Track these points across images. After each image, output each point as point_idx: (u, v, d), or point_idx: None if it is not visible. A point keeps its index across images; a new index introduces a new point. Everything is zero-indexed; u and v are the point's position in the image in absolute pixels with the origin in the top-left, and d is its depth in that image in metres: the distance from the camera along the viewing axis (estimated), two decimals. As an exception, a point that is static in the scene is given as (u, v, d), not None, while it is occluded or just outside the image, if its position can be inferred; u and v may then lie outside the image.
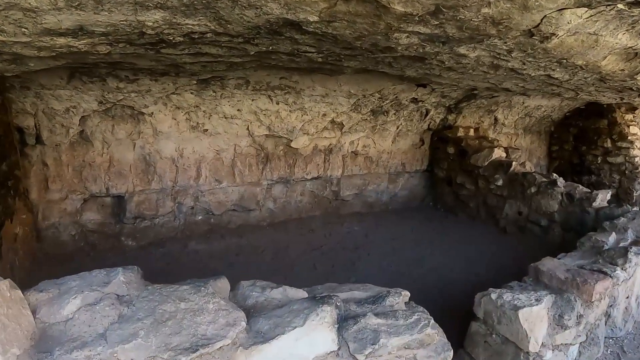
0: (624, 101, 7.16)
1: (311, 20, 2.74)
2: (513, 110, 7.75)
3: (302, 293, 2.52)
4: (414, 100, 6.38)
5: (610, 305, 3.78)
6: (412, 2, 2.50)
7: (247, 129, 5.84)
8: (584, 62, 3.91)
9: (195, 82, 5.19)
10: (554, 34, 3.10)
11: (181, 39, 3.11)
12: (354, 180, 6.80)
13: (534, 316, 3.15)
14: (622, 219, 4.73)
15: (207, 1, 2.36)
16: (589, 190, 5.70)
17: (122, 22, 2.59)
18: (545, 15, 2.79)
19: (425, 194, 7.54)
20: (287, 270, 5.17)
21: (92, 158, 5.40)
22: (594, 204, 5.47)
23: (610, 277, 3.49)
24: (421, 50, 3.66)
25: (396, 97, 6.15)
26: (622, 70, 4.33)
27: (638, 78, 4.72)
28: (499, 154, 6.45)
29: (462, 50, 3.61)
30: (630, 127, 8.11)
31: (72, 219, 5.48)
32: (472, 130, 7.01)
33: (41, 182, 5.23)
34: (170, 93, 5.26)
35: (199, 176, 5.88)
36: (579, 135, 8.89)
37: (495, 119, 7.80)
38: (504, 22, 2.92)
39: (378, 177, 7.02)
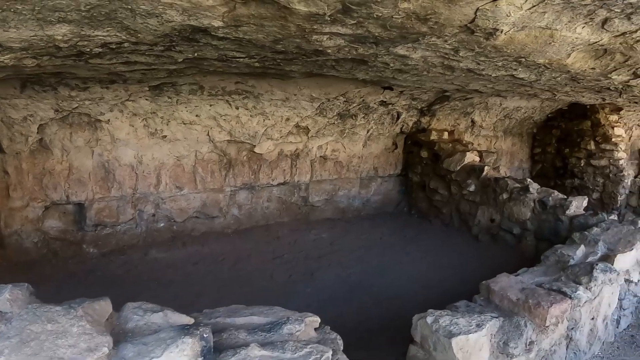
0: (607, 101, 6.65)
1: (216, 25, 2.53)
2: (491, 112, 7.27)
3: (184, 319, 2.22)
4: (383, 103, 5.98)
5: (572, 328, 3.33)
6: (314, 1, 2.20)
7: (208, 134, 5.51)
8: (547, 61, 3.49)
9: (147, 88, 4.91)
10: (497, 30, 2.73)
11: (100, 49, 2.97)
12: (324, 186, 6.41)
13: (471, 345, 2.75)
14: (595, 229, 4.29)
15: (106, 12, 2.27)
16: (564, 197, 5.24)
17: (33, 38, 2.54)
18: (478, 8, 2.42)
19: (400, 199, 7.11)
20: (243, 280, 4.83)
21: (52, 166, 5.15)
22: (567, 212, 5.01)
23: (570, 298, 3.07)
24: (355, 52, 3.31)
25: (363, 100, 5.75)
26: (593, 69, 3.90)
27: (613, 77, 4.25)
28: (471, 158, 6.00)
29: (400, 51, 3.24)
30: (615, 128, 7.55)
31: (34, 227, 5.24)
32: (446, 134, 6.56)
33: (2, 190, 5.00)
34: (124, 100, 4.98)
35: (159, 183, 5.57)
36: (562, 137, 8.34)
37: (472, 122, 7.32)
38: (431, 18, 2.55)
39: (349, 182, 6.62)
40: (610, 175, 7.54)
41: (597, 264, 3.42)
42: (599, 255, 3.81)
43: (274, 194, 6.09)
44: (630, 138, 10.19)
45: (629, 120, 9.29)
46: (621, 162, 7.45)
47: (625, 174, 7.36)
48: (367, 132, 6.39)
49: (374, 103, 5.91)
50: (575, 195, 7.95)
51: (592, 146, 7.74)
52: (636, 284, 4.01)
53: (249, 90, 5.15)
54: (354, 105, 5.83)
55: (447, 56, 3.41)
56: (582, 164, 7.93)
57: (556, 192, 5.37)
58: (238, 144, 5.69)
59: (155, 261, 5.38)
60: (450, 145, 6.29)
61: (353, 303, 4.28)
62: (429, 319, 2.85)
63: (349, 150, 6.39)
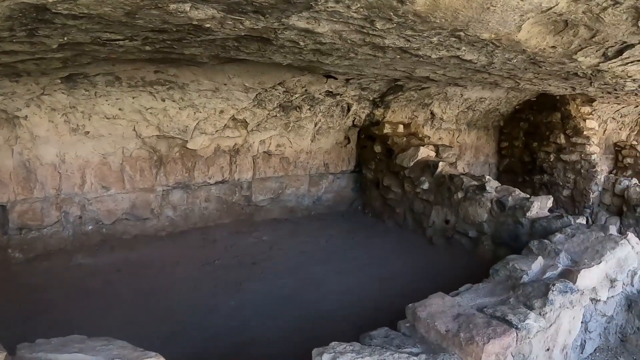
0: (578, 92, 5.96)
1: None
2: (451, 104, 6.61)
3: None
4: (330, 94, 5.37)
5: (519, 365, 2.65)
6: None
7: (134, 129, 4.95)
8: (493, 36, 2.83)
9: (60, 81, 4.42)
10: (407, -13, 2.11)
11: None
12: (269, 184, 5.79)
13: (375, 398, 2.12)
14: (558, 236, 3.65)
15: None
16: (526, 197, 4.60)
17: None
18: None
19: (354, 197, 6.50)
20: (163, 291, 4.28)
21: (-28, 166, 4.60)
22: (528, 214, 4.38)
23: (516, 328, 2.42)
24: (242, 27, 2.72)
25: (306, 90, 5.15)
26: (554, 47, 3.22)
27: (579, 59, 3.55)
28: (426, 153, 5.37)
29: (299, 23, 2.69)
30: (587, 121, 6.87)
31: (-40, 231, 4.71)
32: (401, 127, 5.92)
33: None
34: (39, 94, 4.46)
35: (84, 183, 5.01)
36: (530, 130, 7.66)
37: (432, 114, 6.67)
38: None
39: (297, 179, 6.00)
40: (582, 171, 6.85)
41: (554, 284, 2.78)
42: (559, 269, 3.18)
43: (213, 193, 5.48)
44: (605, 132, 9.53)
45: (603, 113, 8.63)
46: (593, 156, 6.76)
47: (598, 169, 6.67)
48: (315, 126, 5.77)
49: (320, 94, 5.30)
50: (545, 192, 7.32)
51: (562, 140, 7.05)
52: (605, 302, 3.35)
53: (171, 80, 4.58)
54: (297, 95, 5.22)
55: (364, 30, 2.81)
56: (551, 159, 7.24)
57: (517, 191, 4.73)
58: (169, 140, 5.10)
59: (79, 267, 4.84)
60: (405, 139, 5.66)
61: (277, 322, 3.72)
62: (326, 358, 2.21)
63: (295, 145, 5.78)
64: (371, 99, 5.70)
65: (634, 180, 6.43)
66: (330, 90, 5.28)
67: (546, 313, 2.60)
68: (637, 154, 9.62)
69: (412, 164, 5.32)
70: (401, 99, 5.90)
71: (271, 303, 3.98)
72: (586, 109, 6.86)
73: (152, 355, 2.05)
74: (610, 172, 9.91)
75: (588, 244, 3.51)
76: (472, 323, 2.41)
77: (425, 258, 4.92)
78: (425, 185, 5.19)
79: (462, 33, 2.80)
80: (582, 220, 4.26)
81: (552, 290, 2.70)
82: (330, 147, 6.09)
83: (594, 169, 6.64)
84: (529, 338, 2.51)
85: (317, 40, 3.04)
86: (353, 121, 6.01)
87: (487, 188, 4.67)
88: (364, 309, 3.80)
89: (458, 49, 3.30)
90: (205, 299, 4.09)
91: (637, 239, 3.75)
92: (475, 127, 7.64)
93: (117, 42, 3.05)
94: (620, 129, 9.97)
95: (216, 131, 5.17)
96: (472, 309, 2.62)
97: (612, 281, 3.33)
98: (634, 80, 4.93)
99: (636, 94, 6.06)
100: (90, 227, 5.18)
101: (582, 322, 3.13)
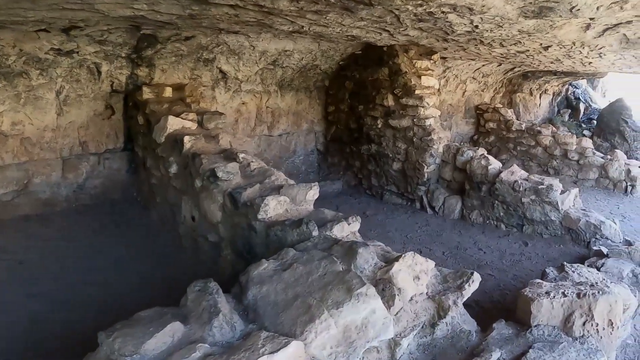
0: (404, 40, 4.97)
1: None
2: (244, 59, 5.61)
3: None
4: (61, 52, 4.47)
5: None
6: None
7: None
8: None
9: None
10: None
11: None
12: (9, 173, 4.96)
13: None
14: (265, 264, 2.46)
15: None
16: (279, 186, 3.62)
17: None
18: None
19: (130, 181, 5.61)
20: None
21: None
22: (260, 216, 3.28)
23: None
24: None
25: (21, 50, 4.35)
26: None
27: None
28: (179, 124, 4.48)
29: None
30: (423, 77, 5.75)
31: None
32: (169, 90, 4.97)
33: None
34: None
35: None
36: (356, 90, 6.57)
37: (223, 73, 5.66)
38: None
39: (47, 164, 5.15)
40: (414, 139, 5.84)
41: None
42: (198, 354, 1.80)
43: (-59, 190, 4.71)
44: (464, 93, 8.43)
45: (460, 72, 7.57)
46: (429, 122, 5.73)
47: (435, 137, 5.65)
48: (58, 95, 4.89)
49: (45, 53, 4.49)
50: (374, 164, 6.38)
51: (390, 101, 6.00)
52: None
53: None
54: (13, 58, 4.40)
55: None
56: (379, 125, 6.22)
57: (275, 175, 3.76)
58: None
59: None
60: (167, 106, 4.73)
61: None
62: None
63: (37, 121, 4.92)
64: (124, 55, 4.80)
65: (480, 151, 5.44)
66: (57, 47, 4.40)
67: None
68: (501, 118, 8.64)
69: (163, 138, 4.44)
70: (167, 55, 4.97)
71: None
72: (423, 64, 5.78)
73: None
74: (472, 137, 8.85)
75: (302, 288, 2.21)
76: None
77: (163, 268, 4.10)
78: (174, 168, 4.32)
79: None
80: (341, 230, 3.12)
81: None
82: (87, 121, 5.20)
83: (430, 137, 5.64)
84: None
85: None
86: (112, 86, 5.10)
87: (219, 174, 3.71)
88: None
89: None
90: None
91: (425, 265, 2.68)
92: (292, 89, 6.64)
93: None
94: (482, 91, 8.93)
95: None
96: None
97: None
98: (456, 11, 3.73)
99: (482, 42, 5.00)
100: None
101: None
